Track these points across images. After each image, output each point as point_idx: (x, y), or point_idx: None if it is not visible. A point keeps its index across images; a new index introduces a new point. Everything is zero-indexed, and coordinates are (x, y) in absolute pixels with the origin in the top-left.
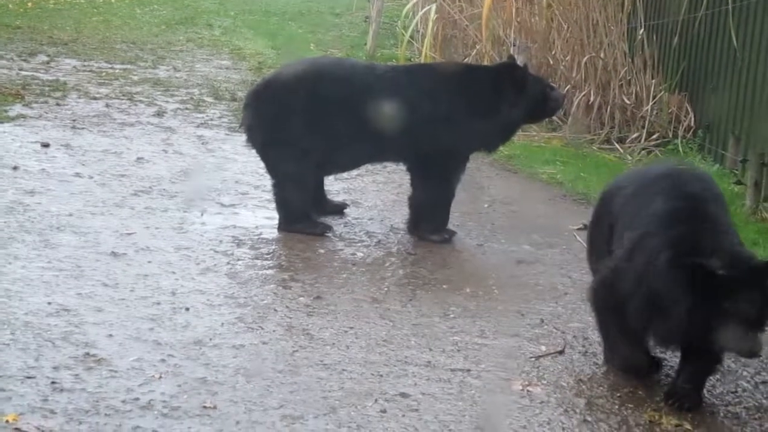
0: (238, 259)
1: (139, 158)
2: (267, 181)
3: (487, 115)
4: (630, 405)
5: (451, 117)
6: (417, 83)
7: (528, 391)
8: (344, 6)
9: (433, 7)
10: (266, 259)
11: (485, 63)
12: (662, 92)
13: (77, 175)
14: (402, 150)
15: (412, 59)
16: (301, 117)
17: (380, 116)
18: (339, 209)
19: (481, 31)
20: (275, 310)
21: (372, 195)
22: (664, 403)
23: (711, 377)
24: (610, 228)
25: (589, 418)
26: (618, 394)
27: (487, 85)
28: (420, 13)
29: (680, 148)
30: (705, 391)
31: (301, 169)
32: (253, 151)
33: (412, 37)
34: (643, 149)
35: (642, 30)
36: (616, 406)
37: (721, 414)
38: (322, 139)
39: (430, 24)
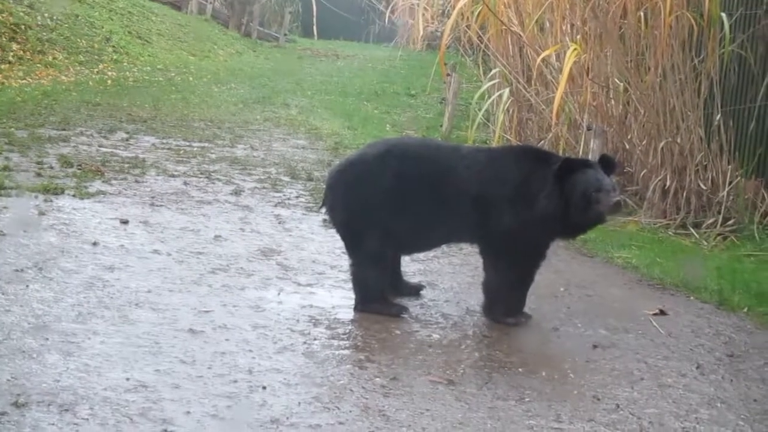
0: (315, 339)
1: (216, 236)
2: (343, 261)
3: (532, 203)
4: None
5: (513, 200)
6: (492, 165)
7: None
8: (419, 87)
9: (507, 90)
10: (342, 339)
11: (561, 146)
12: (738, 178)
13: (155, 252)
14: (476, 231)
15: (487, 141)
16: (384, 197)
17: (460, 196)
18: (415, 291)
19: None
20: (351, 390)
21: (448, 277)
22: None
23: None
24: None
25: None
26: None
27: (545, 174)
28: (494, 96)
29: (756, 234)
30: None
31: (381, 250)
32: (331, 230)
33: (487, 119)
34: (719, 235)
35: (719, 116)
36: None
37: None
38: (404, 220)
39: (503, 106)
